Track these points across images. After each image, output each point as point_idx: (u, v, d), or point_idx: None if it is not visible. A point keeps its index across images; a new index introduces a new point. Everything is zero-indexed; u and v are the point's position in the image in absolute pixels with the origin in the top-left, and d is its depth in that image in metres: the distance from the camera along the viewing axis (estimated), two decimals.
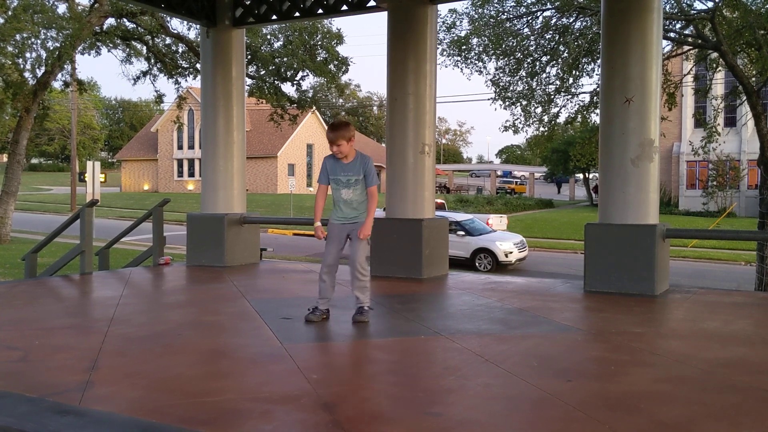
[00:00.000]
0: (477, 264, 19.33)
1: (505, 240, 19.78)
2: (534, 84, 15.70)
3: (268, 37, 19.81)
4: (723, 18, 13.28)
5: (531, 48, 15.29)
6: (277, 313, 5.36)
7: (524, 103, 15.85)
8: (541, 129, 16.46)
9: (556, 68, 15.45)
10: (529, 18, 15.15)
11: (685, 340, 4.64)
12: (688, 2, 14.45)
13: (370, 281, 5.14)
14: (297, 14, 8.84)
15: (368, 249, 5.17)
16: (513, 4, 15.17)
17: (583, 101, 15.94)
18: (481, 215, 25.04)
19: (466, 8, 15.52)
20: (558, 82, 15.50)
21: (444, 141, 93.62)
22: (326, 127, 5.52)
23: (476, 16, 15.36)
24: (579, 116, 15.87)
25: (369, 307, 5.11)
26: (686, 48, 15.17)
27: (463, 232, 19.64)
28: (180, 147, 53.68)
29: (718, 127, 15.60)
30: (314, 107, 30.66)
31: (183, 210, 28.31)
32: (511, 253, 19.25)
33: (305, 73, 20.02)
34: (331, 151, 5.03)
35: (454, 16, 15.76)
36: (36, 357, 3.98)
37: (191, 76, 20.32)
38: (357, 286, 5.03)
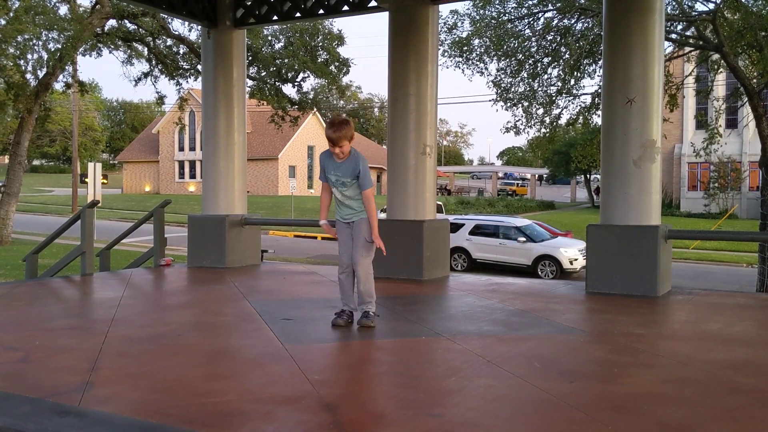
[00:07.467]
0: (539, 272, 18.11)
1: (569, 246, 18.51)
2: (535, 85, 15.70)
3: (269, 38, 19.82)
4: (724, 19, 13.28)
5: (532, 49, 15.28)
6: (278, 315, 5.35)
7: (526, 104, 15.85)
8: (543, 130, 16.44)
9: (557, 69, 15.46)
10: (530, 19, 15.15)
11: (687, 342, 4.62)
12: (690, 3, 14.45)
13: (373, 285, 4.90)
14: (298, 15, 8.83)
15: (371, 249, 4.90)
16: (514, 5, 15.18)
17: (584, 102, 15.98)
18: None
19: (468, 9, 15.54)
20: (559, 84, 15.50)
21: (445, 143, 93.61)
22: (325, 125, 5.30)
23: (477, 17, 15.37)
24: (580, 117, 15.87)
25: (374, 313, 4.90)
26: (687, 49, 15.16)
27: (524, 239, 18.56)
28: (181, 148, 53.71)
29: (719, 128, 15.58)
30: (315, 109, 30.71)
31: (184, 211, 28.31)
32: (576, 260, 17.95)
33: (306, 75, 20.03)
34: (331, 150, 4.76)
35: (455, 17, 15.78)
36: (37, 358, 3.97)
37: (192, 78, 20.36)
38: (358, 289, 4.87)
